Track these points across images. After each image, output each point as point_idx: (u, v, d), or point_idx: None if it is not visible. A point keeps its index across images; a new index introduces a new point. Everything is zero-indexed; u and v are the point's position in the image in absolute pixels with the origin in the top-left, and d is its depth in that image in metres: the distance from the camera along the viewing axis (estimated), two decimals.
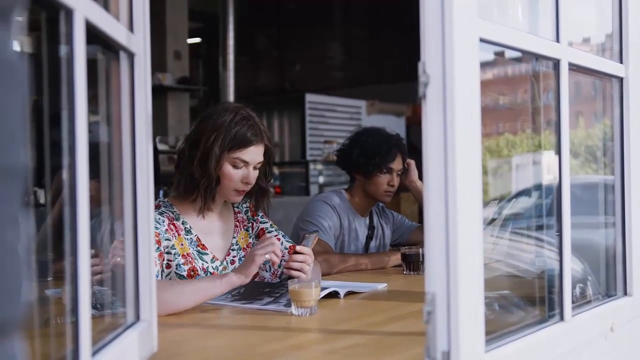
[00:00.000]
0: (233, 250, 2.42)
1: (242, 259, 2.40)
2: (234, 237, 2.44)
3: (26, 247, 0.60)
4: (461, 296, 1.21)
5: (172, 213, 2.31)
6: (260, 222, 2.53)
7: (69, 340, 1.07)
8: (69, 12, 1.03)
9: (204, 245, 2.33)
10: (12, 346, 0.59)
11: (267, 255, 2.08)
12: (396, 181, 3.15)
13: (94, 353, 1.14)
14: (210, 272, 2.31)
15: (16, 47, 0.59)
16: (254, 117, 2.33)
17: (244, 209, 2.52)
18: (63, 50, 1.06)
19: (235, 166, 2.29)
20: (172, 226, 2.27)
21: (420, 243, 3.07)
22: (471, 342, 1.23)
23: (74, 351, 1.05)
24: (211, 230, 2.39)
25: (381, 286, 2.47)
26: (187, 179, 2.30)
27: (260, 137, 2.31)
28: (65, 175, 1.06)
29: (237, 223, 2.48)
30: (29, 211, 0.62)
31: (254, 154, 2.31)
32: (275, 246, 2.11)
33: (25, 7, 0.60)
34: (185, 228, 2.31)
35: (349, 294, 2.29)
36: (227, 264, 2.38)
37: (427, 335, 1.23)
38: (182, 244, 2.27)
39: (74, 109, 1.04)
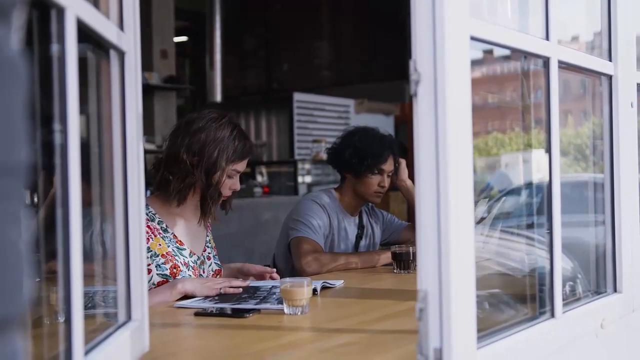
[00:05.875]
0: (208, 247, 2.57)
1: (216, 256, 2.59)
2: (207, 236, 2.59)
3: (27, 244, 0.60)
4: (453, 293, 1.21)
5: (147, 214, 2.36)
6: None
7: (61, 340, 1.06)
8: (61, 11, 1.03)
9: (181, 241, 2.43)
10: (14, 342, 0.59)
11: (221, 290, 2.24)
12: (387, 182, 3.15)
13: (86, 352, 1.13)
14: (191, 267, 2.42)
15: (16, 45, 0.59)
16: (243, 129, 2.51)
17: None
18: (54, 48, 1.05)
19: (229, 176, 2.43)
20: (147, 228, 2.31)
21: (410, 242, 3.07)
22: (463, 339, 1.24)
23: (66, 351, 1.04)
24: (187, 229, 2.49)
25: (339, 283, 2.51)
26: (188, 188, 2.39)
27: (253, 149, 2.51)
28: (56, 175, 1.05)
29: (208, 224, 2.61)
30: (28, 209, 0.63)
31: (245, 164, 2.49)
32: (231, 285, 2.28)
33: (25, 5, 0.60)
34: (161, 227, 2.40)
35: (324, 288, 2.37)
36: (204, 258, 2.52)
37: (419, 332, 1.23)
38: (159, 244, 2.36)
39: (65, 108, 1.04)
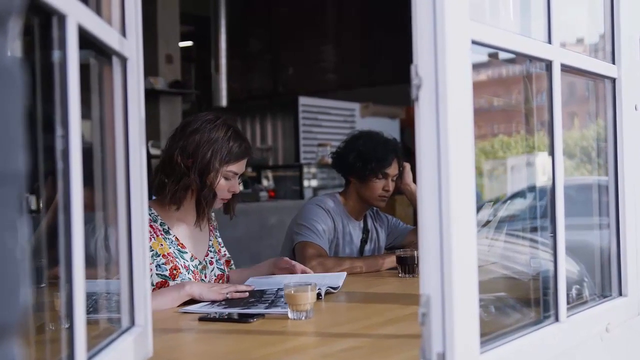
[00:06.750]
0: (211, 251, 2.56)
1: (219, 260, 2.57)
2: (210, 240, 2.58)
3: (24, 252, 0.61)
4: (456, 298, 1.21)
5: (150, 215, 2.37)
6: (219, 237, 2.68)
7: (64, 345, 1.07)
8: (62, 18, 1.03)
9: (182, 244, 2.44)
10: (12, 350, 0.59)
11: (228, 295, 2.23)
12: (391, 186, 3.15)
13: (89, 358, 1.13)
14: (192, 270, 2.42)
15: (13, 53, 0.59)
16: (240, 130, 2.50)
17: (213, 217, 2.67)
18: (56, 55, 1.06)
19: (226, 178, 2.42)
20: (149, 228, 2.33)
21: (414, 245, 3.06)
22: (466, 344, 1.23)
23: (69, 356, 1.04)
24: (190, 234, 2.49)
25: (342, 277, 2.53)
26: (183, 190, 2.39)
27: (250, 151, 2.50)
28: (58, 181, 1.06)
29: (211, 228, 2.61)
30: (25, 216, 0.63)
31: (244, 165, 2.48)
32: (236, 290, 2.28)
33: (22, 13, 0.60)
34: (163, 229, 2.41)
35: (328, 293, 2.35)
36: (206, 263, 2.51)
37: (422, 337, 1.23)
38: (161, 245, 2.37)
39: (67, 114, 1.04)
